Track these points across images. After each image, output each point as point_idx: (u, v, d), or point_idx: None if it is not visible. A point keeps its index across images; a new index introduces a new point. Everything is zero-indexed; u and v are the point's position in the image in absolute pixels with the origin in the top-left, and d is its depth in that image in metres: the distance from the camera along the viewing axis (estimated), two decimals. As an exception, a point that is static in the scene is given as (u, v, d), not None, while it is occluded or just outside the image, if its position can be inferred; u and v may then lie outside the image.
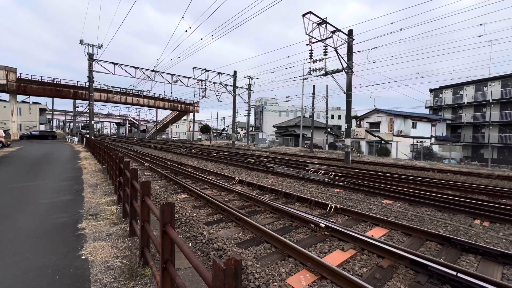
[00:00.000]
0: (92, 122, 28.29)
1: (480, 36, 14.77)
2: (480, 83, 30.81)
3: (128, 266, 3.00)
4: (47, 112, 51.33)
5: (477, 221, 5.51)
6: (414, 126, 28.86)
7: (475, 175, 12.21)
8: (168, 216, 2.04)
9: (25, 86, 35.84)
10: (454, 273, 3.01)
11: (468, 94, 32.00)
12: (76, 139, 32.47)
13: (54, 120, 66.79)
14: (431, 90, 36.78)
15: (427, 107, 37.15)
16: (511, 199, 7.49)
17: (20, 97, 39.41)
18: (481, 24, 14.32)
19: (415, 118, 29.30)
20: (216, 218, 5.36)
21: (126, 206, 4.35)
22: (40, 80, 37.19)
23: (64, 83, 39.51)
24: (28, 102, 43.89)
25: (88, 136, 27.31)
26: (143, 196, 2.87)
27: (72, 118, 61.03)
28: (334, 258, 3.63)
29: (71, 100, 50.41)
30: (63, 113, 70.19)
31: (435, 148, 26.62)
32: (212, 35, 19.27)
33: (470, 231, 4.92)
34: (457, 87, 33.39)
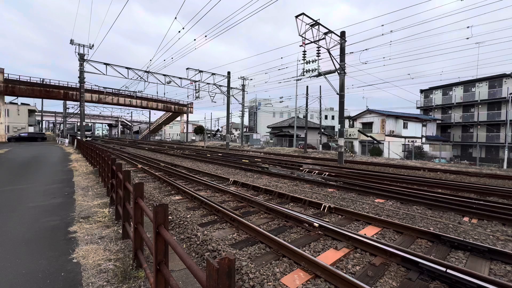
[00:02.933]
0: (84, 123, 27.79)
1: (467, 38, 15.18)
2: (468, 84, 31.63)
3: (121, 269, 2.97)
4: (36, 113, 50.14)
5: (466, 219, 5.66)
6: (405, 126, 29.40)
7: (464, 174, 12.52)
8: (161, 217, 2.04)
9: (13, 87, 34.95)
10: (444, 269, 3.09)
11: (457, 94, 32.80)
12: (66, 140, 31.82)
13: (44, 122, 65.28)
14: (421, 91, 37.56)
15: (417, 108, 37.91)
16: (498, 197, 7.71)
17: (8, 98, 38.42)
18: (468, 27, 14.72)
19: (406, 118, 29.86)
20: (211, 219, 5.35)
21: (119, 208, 4.30)
22: (29, 80, 36.33)
23: (54, 83, 38.70)
24: (16, 103, 42.78)
25: (79, 137, 26.81)
26: (136, 198, 2.85)
27: (62, 120, 59.78)
28: (328, 257, 3.67)
29: (61, 101, 49.46)
30: (53, 114, 68.63)
31: (426, 148, 27.18)
32: (206, 36, 19.22)
33: (459, 228, 5.05)
34: (446, 88, 34.19)
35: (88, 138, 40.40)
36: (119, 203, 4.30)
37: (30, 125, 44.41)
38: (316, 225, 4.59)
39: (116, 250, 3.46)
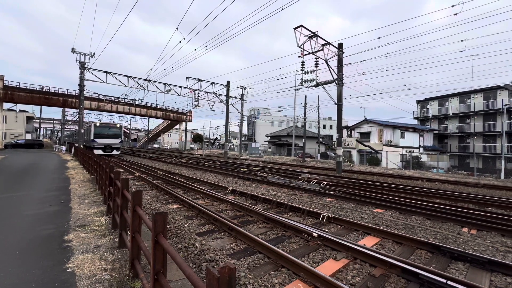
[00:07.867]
0: (82, 130, 27.69)
1: (461, 51, 15.56)
2: (463, 95, 32.16)
3: (117, 279, 2.91)
4: (34, 120, 50.08)
5: (465, 229, 5.64)
6: (403, 136, 29.60)
7: (462, 184, 12.53)
8: (160, 226, 2.03)
9: (13, 94, 35.02)
10: (444, 281, 3.06)
11: (453, 105, 33.28)
12: (64, 148, 31.64)
13: (42, 129, 65.03)
14: (418, 102, 38.09)
15: (414, 118, 38.32)
16: (497, 207, 7.71)
17: (6, 105, 38.42)
18: (462, 40, 15.11)
19: (404, 128, 30.10)
20: (208, 228, 5.29)
21: (116, 216, 4.25)
22: (28, 88, 36.45)
23: (53, 91, 38.83)
24: (15, 110, 42.80)
25: (76, 145, 26.67)
26: (134, 206, 2.83)
27: (60, 127, 59.66)
28: (327, 268, 3.62)
29: (60, 108, 49.48)
30: (51, 121, 68.63)
31: (424, 158, 27.28)
32: (206, 46, 19.54)
33: (459, 239, 5.03)
34: (442, 99, 34.72)
35: (114, 152, 26.37)
36: (116, 212, 4.25)
37: (27, 132, 44.27)
38: (315, 235, 4.55)
39: (112, 260, 3.40)
